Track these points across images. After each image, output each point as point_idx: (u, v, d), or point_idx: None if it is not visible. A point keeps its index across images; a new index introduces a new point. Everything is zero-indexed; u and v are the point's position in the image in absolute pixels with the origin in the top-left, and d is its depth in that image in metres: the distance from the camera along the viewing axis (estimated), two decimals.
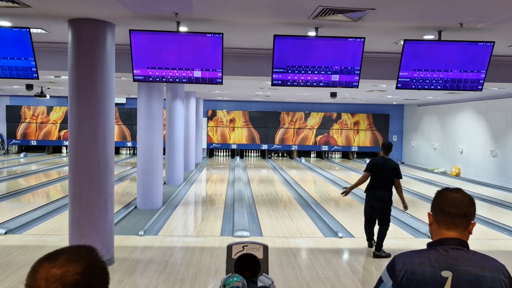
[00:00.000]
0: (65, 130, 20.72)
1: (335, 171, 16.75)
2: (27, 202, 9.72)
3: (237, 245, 3.18)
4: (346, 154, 22.21)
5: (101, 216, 5.33)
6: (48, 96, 15.09)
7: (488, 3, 4.23)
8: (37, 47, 5.86)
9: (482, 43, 5.56)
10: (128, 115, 20.91)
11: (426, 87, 5.78)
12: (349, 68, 5.62)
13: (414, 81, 5.76)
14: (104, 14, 5.00)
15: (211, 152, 21.76)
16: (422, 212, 8.93)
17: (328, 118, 21.63)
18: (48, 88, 14.71)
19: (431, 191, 9.38)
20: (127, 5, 4.56)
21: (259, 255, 3.17)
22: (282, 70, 5.56)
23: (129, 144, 21.24)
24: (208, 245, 6.50)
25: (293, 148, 21.70)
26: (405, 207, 6.25)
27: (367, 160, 20.38)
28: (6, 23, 5.39)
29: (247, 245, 3.18)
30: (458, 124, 16.59)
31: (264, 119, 21.43)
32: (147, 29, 5.34)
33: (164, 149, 11.34)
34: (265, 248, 3.20)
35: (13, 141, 21.17)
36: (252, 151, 22.07)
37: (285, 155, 22.43)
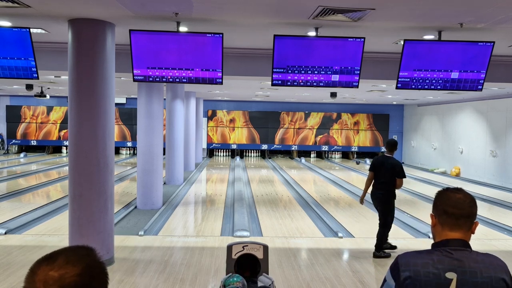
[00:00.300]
0: (65, 130, 20.72)
1: (335, 171, 16.75)
2: (27, 202, 9.72)
3: (237, 245, 3.18)
4: (346, 154, 22.21)
5: (101, 216, 5.33)
6: (48, 96, 15.09)
7: (488, 3, 4.23)
8: (37, 47, 5.85)
9: (482, 43, 5.56)
10: (128, 115, 20.91)
11: (426, 87, 5.78)
12: (349, 68, 5.62)
13: (414, 81, 5.76)
14: (104, 14, 5.00)
15: (211, 152, 21.75)
16: (422, 212, 8.93)
17: (328, 118, 21.63)
18: (48, 88, 14.71)
19: (431, 191, 9.39)
20: (127, 5, 4.56)
21: (259, 255, 3.17)
22: (282, 70, 5.56)
23: (129, 144, 21.24)
24: (208, 245, 6.50)
25: (293, 148, 21.70)
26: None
27: (368, 161, 20.52)
28: (6, 23, 5.39)
29: (247, 245, 3.18)
30: (458, 124, 16.59)
31: (264, 119, 21.43)
32: (147, 29, 5.34)
33: (164, 149, 11.34)
34: (265, 248, 3.20)
35: (13, 141, 21.17)
36: (252, 151, 22.07)
37: (283, 156, 22.43)
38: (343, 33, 5.56)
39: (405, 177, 6.03)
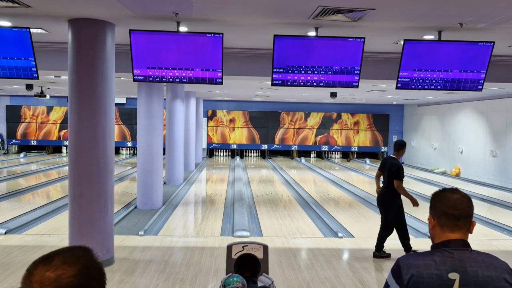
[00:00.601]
0: (65, 130, 20.72)
1: (335, 171, 16.75)
2: (27, 202, 9.72)
3: (237, 245, 3.18)
4: (346, 154, 22.21)
5: (101, 216, 5.33)
6: (48, 96, 15.09)
7: (488, 3, 4.23)
8: (37, 47, 5.85)
9: (482, 43, 5.56)
10: (128, 115, 20.91)
11: (426, 87, 5.78)
12: (349, 68, 5.62)
13: (414, 81, 5.76)
14: (104, 14, 5.00)
15: (211, 152, 21.75)
16: (422, 212, 8.91)
17: (328, 118, 21.63)
18: (48, 88, 14.71)
19: (431, 191, 9.35)
20: (127, 5, 4.56)
21: (259, 255, 3.17)
22: (282, 70, 5.55)
23: (129, 144, 21.24)
24: (208, 245, 6.50)
25: (293, 148, 21.70)
26: (414, 203, 5.93)
27: (367, 160, 20.53)
28: (6, 23, 5.39)
29: (247, 245, 3.18)
30: (458, 124, 16.59)
31: (264, 119, 21.43)
32: (147, 29, 5.34)
33: (164, 149, 11.35)
34: (265, 248, 3.20)
35: (13, 141, 21.17)
36: (252, 151, 22.07)
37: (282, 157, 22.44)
38: (343, 33, 5.56)
39: (400, 179, 5.84)
